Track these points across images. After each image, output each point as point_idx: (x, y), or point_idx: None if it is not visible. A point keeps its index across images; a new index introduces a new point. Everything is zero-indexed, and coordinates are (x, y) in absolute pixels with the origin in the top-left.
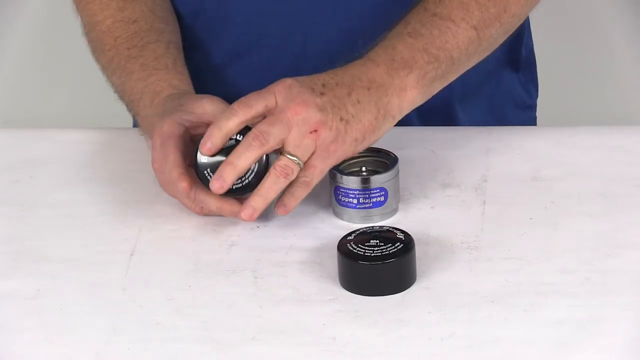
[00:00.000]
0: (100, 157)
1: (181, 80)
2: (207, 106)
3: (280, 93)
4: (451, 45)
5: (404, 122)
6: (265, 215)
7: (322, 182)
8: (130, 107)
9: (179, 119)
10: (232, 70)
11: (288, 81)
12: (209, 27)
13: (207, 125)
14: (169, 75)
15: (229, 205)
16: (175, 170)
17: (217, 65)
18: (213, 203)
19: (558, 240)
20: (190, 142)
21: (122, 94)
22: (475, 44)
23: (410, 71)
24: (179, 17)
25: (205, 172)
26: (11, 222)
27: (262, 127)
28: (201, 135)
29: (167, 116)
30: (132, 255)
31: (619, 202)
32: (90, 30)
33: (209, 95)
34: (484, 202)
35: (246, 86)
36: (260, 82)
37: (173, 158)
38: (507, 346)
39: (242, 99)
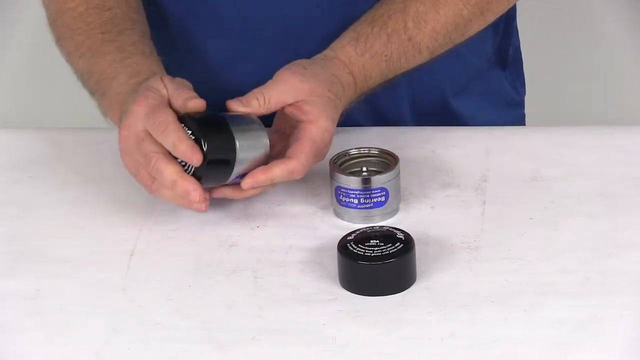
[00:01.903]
0: (101, 157)
1: (159, 68)
2: (167, 84)
3: (330, 133)
4: (406, 66)
5: (399, 122)
6: (265, 215)
7: (322, 182)
8: (97, 87)
9: (157, 90)
10: (228, 75)
11: (329, 111)
12: (203, 33)
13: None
14: (147, 61)
15: (186, 182)
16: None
17: (213, 71)
18: (170, 173)
19: (558, 240)
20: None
21: (89, 75)
22: (424, 62)
23: (364, 91)
24: (173, 21)
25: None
26: (11, 222)
27: (306, 165)
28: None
29: (145, 88)
30: (132, 255)
31: (619, 202)
32: (59, 17)
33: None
34: (484, 202)
35: (242, 92)
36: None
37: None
38: (507, 346)
39: (307, 154)
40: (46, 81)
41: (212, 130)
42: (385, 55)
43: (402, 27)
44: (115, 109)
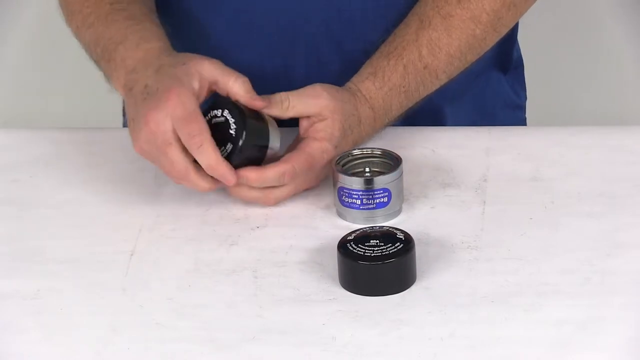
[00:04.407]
0: (100, 157)
1: (166, 39)
2: (208, 69)
3: (329, 156)
4: (424, 93)
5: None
6: (265, 215)
7: (324, 182)
8: (103, 54)
9: (191, 88)
10: (227, 62)
11: (335, 138)
12: (203, 21)
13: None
14: (158, 29)
15: (224, 168)
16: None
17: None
18: (213, 157)
19: (558, 240)
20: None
21: (95, 44)
22: (442, 86)
23: (385, 124)
24: (176, 6)
25: None
26: (11, 222)
27: (297, 172)
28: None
29: (179, 81)
30: (132, 255)
31: (619, 202)
32: None
33: (207, 57)
34: (484, 202)
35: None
36: (250, 80)
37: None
38: (507, 346)
39: (301, 163)
40: (46, 81)
41: (254, 122)
42: (404, 87)
43: (417, 57)
44: (120, 73)
